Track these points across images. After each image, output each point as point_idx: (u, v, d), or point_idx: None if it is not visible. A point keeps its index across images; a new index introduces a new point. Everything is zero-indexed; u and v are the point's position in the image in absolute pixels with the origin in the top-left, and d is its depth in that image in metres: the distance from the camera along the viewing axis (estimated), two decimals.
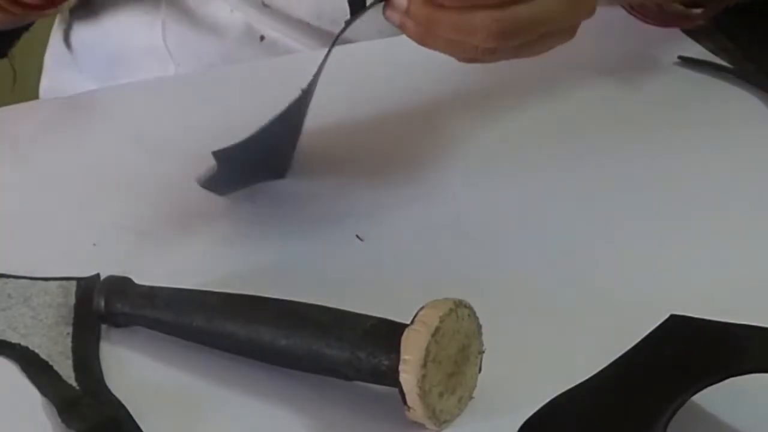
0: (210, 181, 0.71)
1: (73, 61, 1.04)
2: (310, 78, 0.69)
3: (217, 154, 0.68)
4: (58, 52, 1.06)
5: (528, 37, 0.69)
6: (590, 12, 0.72)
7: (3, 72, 1.05)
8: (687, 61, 0.91)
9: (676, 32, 0.95)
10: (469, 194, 0.77)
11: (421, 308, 0.57)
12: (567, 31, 0.72)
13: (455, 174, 0.79)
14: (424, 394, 0.56)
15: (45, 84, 1.09)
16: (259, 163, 0.73)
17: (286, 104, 0.68)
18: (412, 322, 0.57)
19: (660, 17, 0.93)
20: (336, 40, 0.69)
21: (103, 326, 0.65)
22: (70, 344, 0.64)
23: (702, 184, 0.78)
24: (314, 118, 0.75)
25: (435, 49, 0.70)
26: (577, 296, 0.67)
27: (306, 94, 0.69)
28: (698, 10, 0.91)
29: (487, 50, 0.69)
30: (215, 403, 0.61)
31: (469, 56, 0.70)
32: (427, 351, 0.56)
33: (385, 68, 0.80)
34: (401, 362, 0.56)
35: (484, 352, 0.60)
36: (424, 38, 0.69)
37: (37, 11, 0.90)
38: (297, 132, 0.74)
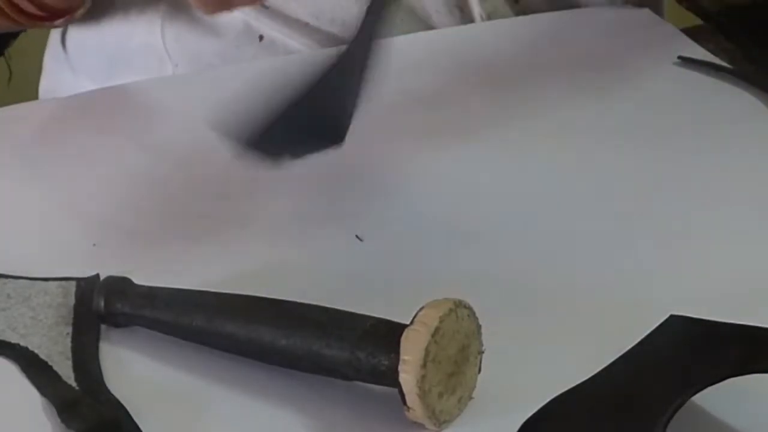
0: (255, 141, 0.66)
1: (68, 62, 1.04)
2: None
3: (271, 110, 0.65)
4: (56, 53, 1.06)
5: None
6: None
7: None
8: (687, 61, 0.91)
9: (676, 32, 0.95)
10: (469, 194, 0.77)
11: (421, 308, 0.57)
12: None
13: (455, 174, 0.79)
14: (423, 395, 0.56)
15: (44, 85, 1.09)
16: (314, 123, 0.69)
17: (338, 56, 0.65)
18: (411, 322, 0.57)
19: None
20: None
21: (103, 326, 0.65)
22: (69, 344, 0.64)
23: (702, 184, 0.78)
24: None
25: None
26: (577, 296, 0.67)
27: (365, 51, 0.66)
28: None
29: None
30: (215, 403, 0.61)
31: None
32: (427, 351, 0.56)
33: (383, 69, 0.79)
34: (401, 362, 0.56)
35: (484, 352, 0.60)
36: None
37: (42, 22, 0.91)
38: (357, 92, 0.69)
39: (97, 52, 1.00)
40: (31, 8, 0.89)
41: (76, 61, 1.04)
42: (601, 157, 0.81)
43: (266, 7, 0.95)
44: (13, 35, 1.02)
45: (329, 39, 0.95)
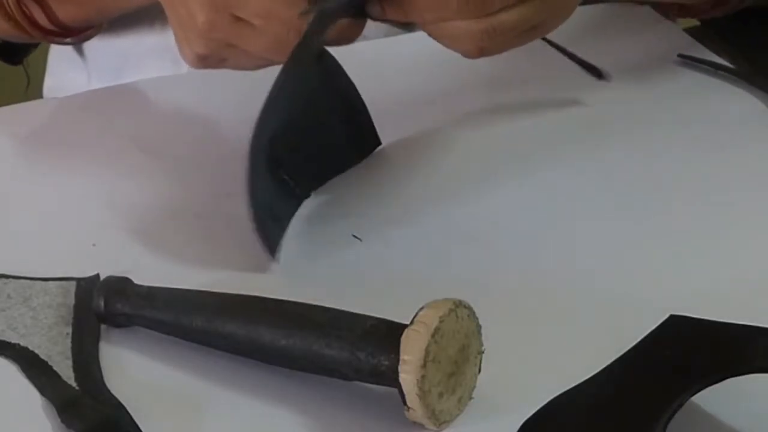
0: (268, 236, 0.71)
1: (84, 64, 1.04)
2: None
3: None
4: (64, 53, 1.06)
5: (511, 35, 0.70)
6: (573, 8, 0.72)
7: (14, 75, 1.06)
8: (687, 59, 0.91)
9: (677, 31, 0.95)
10: (469, 194, 0.77)
11: (421, 308, 0.57)
12: (560, 15, 0.73)
13: (455, 173, 0.79)
14: (423, 395, 0.56)
15: (49, 84, 1.09)
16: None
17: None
18: (411, 322, 0.57)
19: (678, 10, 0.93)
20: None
21: (103, 326, 0.65)
22: (69, 344, 0.64)
23: (702, 183, 0.78)
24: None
25: None
26: (577, 296, 0.67)
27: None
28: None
29: (477, 54, 0.70)
30: (215, 403, 0.61)
31: (464, 54, 0.71)
32: (427, 351, 0.56)
33: (384, 67, 0.80)
34: (401, 362, 0.56)
35: (483, 352, 0.60)
36: None
37: (55, 37, 0.91)
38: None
39: (108, 53, 1.00)
40: (46, 23, 0.90)
41: (86, 61, 1.04)
42: (601, 156, 0.81)
43: None
44: (34, 44, 1.02)
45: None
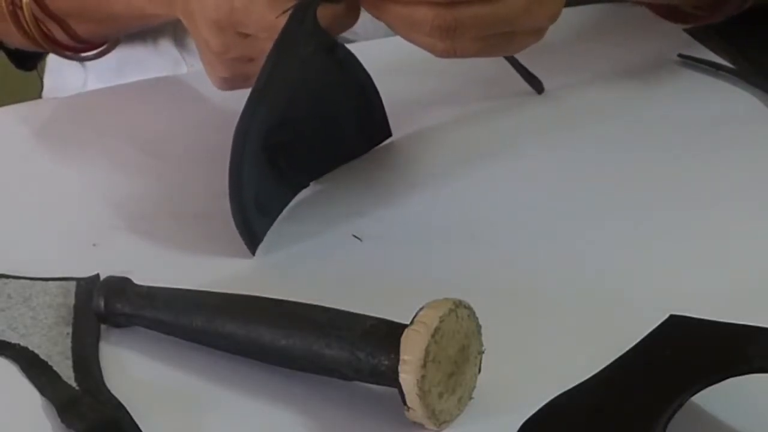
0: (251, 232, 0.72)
1: (83, 65, 1.04)
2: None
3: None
4: None
5: (477, 35, 0.70)
6: (552, 16, 0.72)
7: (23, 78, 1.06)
8: (687, 59, 0.91)
9: (677, 30, 0.95)
10: (469, 194, 0.77)
11: (421, 308, 0.57)
12: (532, 33, 0.72)
13: (455, 173, 0.79)
14: (423, 395, 0.56)
15: (49, 84, 1.09)
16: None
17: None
18: (411, 322, 0.57)
19: (670, 14, 0.93)
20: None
21: (103, 326, 0.65)
22: (69, 344, 0.64)
23: (702, 183, 0.78)
24: None
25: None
26: (577, 296, 0.67)
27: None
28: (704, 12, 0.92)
29: (442, 49, 0.70)
30: (215, 403, 0.61)
31: (428, 49, 0.71)
32: (427, 351, 0.56)
33: (383, 67, 0.80)
34: (401, 362, 0.56)
35: (484, 352, 0.60)
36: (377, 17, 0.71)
37: (71, 52, 0.92)
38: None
39: (110, 57, 1.00)
40: (65, 40, 0.90)
41: (90, 65, 1.04)
42: (601, 156, 0.81)
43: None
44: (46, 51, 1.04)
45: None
